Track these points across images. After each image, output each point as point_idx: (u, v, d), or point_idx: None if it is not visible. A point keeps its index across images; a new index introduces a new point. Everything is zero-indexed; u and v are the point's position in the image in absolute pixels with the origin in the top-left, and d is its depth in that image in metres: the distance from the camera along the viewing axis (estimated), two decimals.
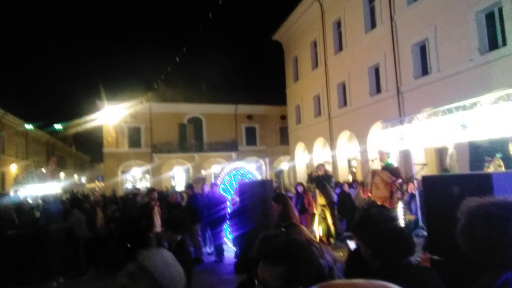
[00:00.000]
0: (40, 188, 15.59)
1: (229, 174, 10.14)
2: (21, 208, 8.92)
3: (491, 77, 10.65)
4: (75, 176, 43.56)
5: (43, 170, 24.46)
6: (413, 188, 9.58)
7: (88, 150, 49.18)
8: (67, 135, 38.14)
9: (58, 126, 28.72)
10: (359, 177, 16.14)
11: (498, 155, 7.23)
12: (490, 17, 11.35)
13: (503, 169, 6.11)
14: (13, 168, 29.67)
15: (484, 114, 6.76)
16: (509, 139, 5.59)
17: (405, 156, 11.86)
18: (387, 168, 7.61)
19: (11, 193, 13.96)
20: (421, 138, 8.75)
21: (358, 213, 11.38)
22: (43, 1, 61.13)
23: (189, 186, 9.78)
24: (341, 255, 6.50)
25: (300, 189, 10.45)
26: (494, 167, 6.26)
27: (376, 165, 8.92)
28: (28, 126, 31.67)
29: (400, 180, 7.07)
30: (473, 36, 11.45)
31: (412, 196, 9.66)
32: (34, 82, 62.77)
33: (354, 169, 20.75)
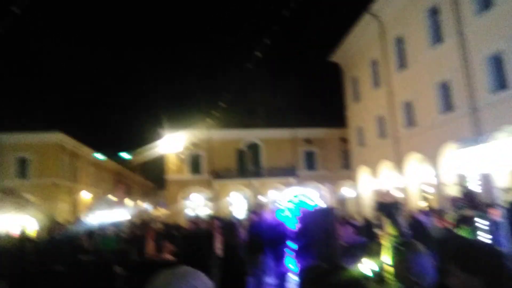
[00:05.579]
0: (109, 214, 16.30)
1: (289, 200, 9.74)
2: (93, 234, 9.22)
3: None
4: (141, 203, 45.59)
5: (111, 197, 25.88)
6: (497, 214, 8.44)
7: (152, 177, 51.37)
8: (132, 163, 40.37)
9: (125, 156, 30.47)
10: (435, 204, 14.70)
11: None
12: None
13: None
14: (84, 195, 31.80)
15: None
16: None
17: (485, 180, 10.63)
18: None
19: (85, 220, 14.67)
20: (503, 159, 7.74)
21: (433, 243, 10.29)
22: (105, 35, 66.95)
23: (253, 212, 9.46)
24: None
25: None
26: None
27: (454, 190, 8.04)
28: (98, 155, 33.88)
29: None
30: None
31: (496, 224, 8.50)
32: (100, 114, 68.41)
33: (428, 195, 18.97)
